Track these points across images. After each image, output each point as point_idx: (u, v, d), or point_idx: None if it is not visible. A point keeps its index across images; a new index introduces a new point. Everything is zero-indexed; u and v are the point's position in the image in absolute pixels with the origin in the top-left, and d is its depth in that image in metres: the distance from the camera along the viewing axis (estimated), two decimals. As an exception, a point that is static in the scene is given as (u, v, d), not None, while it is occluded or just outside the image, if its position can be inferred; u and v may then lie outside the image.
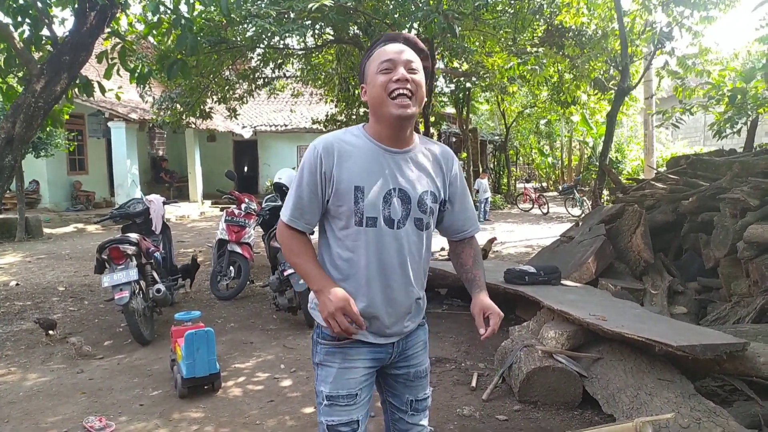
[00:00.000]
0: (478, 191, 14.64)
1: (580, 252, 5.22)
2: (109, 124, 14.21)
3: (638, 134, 17.61)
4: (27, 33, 5.75)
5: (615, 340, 3.40)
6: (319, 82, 10.69)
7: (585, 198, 13.88)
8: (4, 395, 3.62)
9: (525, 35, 8.80)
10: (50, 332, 4.66)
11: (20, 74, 6.16)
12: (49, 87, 5.41)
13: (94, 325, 5.16)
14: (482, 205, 14.12)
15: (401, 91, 1.57)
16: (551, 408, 3.25)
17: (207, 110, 10.55)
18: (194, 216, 15.48)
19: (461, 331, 4.80)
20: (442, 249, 9.19)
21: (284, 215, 1.66)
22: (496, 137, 21.37)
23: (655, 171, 7.55)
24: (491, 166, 20.65)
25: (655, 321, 3.57)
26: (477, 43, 9.46)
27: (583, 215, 12.62)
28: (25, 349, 4.56)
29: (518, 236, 10.90)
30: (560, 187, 19.66)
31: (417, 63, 1.64)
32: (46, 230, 12.15)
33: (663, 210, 5.45)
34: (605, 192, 9.31)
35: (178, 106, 11.11)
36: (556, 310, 3.70)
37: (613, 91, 9.56)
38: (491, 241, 7.27)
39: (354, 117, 10.89)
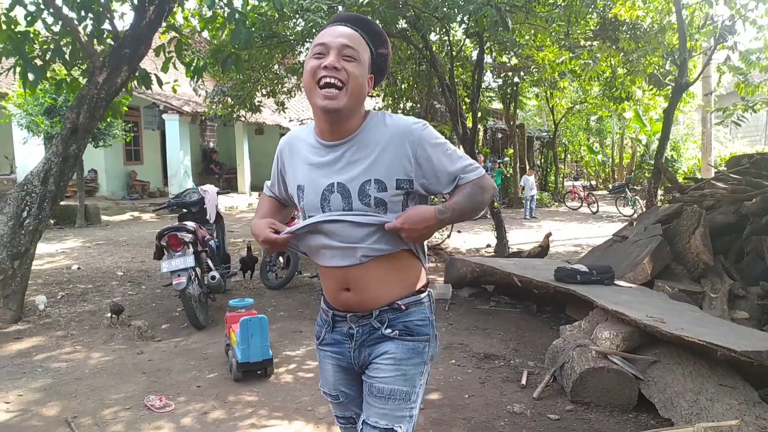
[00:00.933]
0: (524, 188, 14.41)
1: (634, 252, 5.09)
2: (164, 116, 14.68)
3: (695, 132, 16.95)
4: (90, 27, 6.00)
5: (673, 343, 3.30)
6: (367, 76, 10.73)
7: (637, 197, 13.46)
8: (72, 372, 3.82)
9: (578, 29, 8.60)
10: (114, 316, 4.85)
11: (83, 67, 6.43)
12: (110, 79, 5.62)
13: (152, 309, 5.36)
14: (528, 203, 13.91)
15: (328, 80, 1.40)
16: (605, 409, 3.18)
17: (256, 104, 10.77)
18: (242, 207, 15.83)
19: (509, 328, 4.76)
20: (488, 246, 9.12)
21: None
22: (544, 133, 20.96)
23: (716, 170, 7.26)
24: (538, 163, 20.27)
25: (716, 325, 3.45)
26: (527, 37, 9.29)
27: (635, 215, 12.27)
28: (88, 329, 4.79)
29: (566, 235, 10.69)
30: (611, 186, 19.15)
31: (357, 50, 1.44)
32: (104, 217, 12.67)
33: (724, 211, 5.24)
34: (660, 191, 9.01)
35: (229, 99, 11.39)
36: (610, 310, 3.62)
37: (669, 87, 9.24)
38: (548, 236, 7.10)
39: (400, 111, 10.90)
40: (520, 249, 8.10)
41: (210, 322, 4.89)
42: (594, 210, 14.63)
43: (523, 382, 3.58)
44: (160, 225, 12.13)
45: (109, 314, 4.94)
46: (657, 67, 9.57)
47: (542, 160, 20.86)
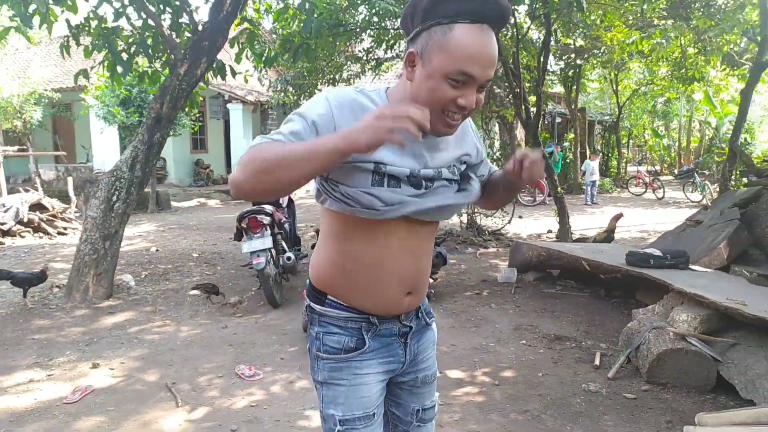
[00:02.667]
0: (585, 173, 14.09)
1: (710, 237, 4.97)
2: (228, 105, 15.20)
3: (772, 113, 16.07)
4: (168, 21, 6.31)
5: (754, 325, 3.25)
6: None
7: (707, 182, 12.94)
8: (165, 343, 4.13)
9: (651, 6, 8.31)
10: (213, 296, 5.10)
11: (164, 59, 6.78)
12: (191, 71, 5.91)
13: (229, 288, 5.66)
14: (589, 188, 13.60)
15: (456, 117, 1.25)
16: (682, 390, 3.19)
17: (317, 92, 11.01)
18: (300, 193, 16.22)
19: (578, 311, 4.77)
20: (549, 231, 9.03)
21: None
22: (606, 117, 20.33)
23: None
24: (599, 147, 19.72)
25: (801, 309, 3.36)
26: (593, 17, 9.06)
27: (704, 200, 11.82)
28: (174, 305, 5.13)
29: (630, 221, 10.40)
30: (677, 171, 18.44)
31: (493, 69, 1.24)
32: (173, 203, 13.33)
33: (808, 194, 5.03)
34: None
35: (291, 88, 11.70)
36: (688, 293, 3.59)
37: (745, 67, 8.81)
38: (617, 218, 6.70)
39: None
40: (583, 235, 7.99)
41: (284, 300, 5.14)
42: (659, 196, 14.17)
43: (597, 362, 3.61)
44: (225, 210, 12.68)
45: (201, 294, 5.20)
46: (732, 46, 9.14)
47: (603, 145, 20.28)
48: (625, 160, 20.59)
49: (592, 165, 13.69)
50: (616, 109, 18.07)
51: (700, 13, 8.51)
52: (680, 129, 22.08)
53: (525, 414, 2.97)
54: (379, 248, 1.34)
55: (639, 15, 7.96)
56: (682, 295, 3.75)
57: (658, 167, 22.61)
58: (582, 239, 7.28)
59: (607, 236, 6.79)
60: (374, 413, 1.40)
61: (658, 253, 4.50)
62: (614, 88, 17.23)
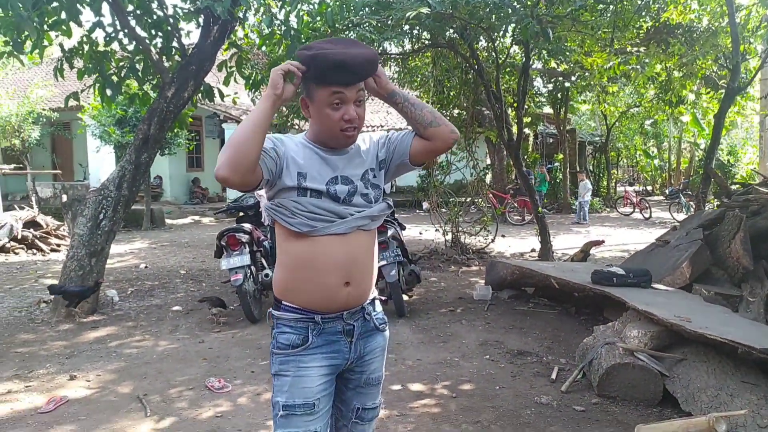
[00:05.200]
0: (585, 193, 13.95)
1: (675, 256, 5.13)
2: (224, 125, 15.47)
3: (754, 136, 16.33)
4: (159, 45, 6.56)
5: (700, 342, 3.41)
6: (416, 84, 11.03)
7: (692, 203, 13.13)
8: (142, 357, 4.28)
9: (627, 34, 8.59)
10: (215, 309, 5.17)
11: (154, 82, 7.02)
12: (178, 93, 6.14)
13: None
14: (583, 207, 13.68)
15: (350, 129, 1.63)
16: (630, 404, 3.33)
17: (309, 112, 11.23)
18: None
19: (545, 328, 4.92)
20: (533, 250, 9.19)
21: None
22: (597, 138, 20.62)
23: (762, 176, 7.12)
24: (590, 168, 19.95)
25: (743, 325, 3.52)
26: (576, 43, 9.33)
27: (687, 220, 11.99)
28: (155, 321, 5.29)
29: (614, 240, 10.59)
30: (666, 191, 18.66)
31: (362, 91, 1.64)
32: (168, 221, 13.50)
33: (767, 216, 5.20)
34: (711, 196, 8.84)
35: (284, 108, 11.93)
36: (640, 310, 3.74)
37: (722, 91, 9.06)
38: (596, 243, 7.09)
39: (448, 118, 11.11)
40: (566, 254, 8.16)
41: (263, 316, 5.29)
42: (646, 216, 14.33)
43: (553, 376, 3.75)
44: (218, 228, 12.82)
45: (208, 306, 5.30)
46: (711, 71, 9.40)
47: (595, 165, 20.52)
48: (615, 180, 20.82)
49: (586, 184, 13.79)
50: (606, 130, 18.35)
51: (682, 39, 8.78)
52: (670, 150, 22.37)
53: (476, 425, 3.11)
54: (313, 243, 1.63)
55: (611, 42, 8.23)
56: (637, 312, 3.90)
57: (649, 187, 22.85)
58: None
59: (584, 257, 6.96)
60: (314, 404, 1.63)
61: (621, 271, 4.67)
62: (600, 110, 17.54)
